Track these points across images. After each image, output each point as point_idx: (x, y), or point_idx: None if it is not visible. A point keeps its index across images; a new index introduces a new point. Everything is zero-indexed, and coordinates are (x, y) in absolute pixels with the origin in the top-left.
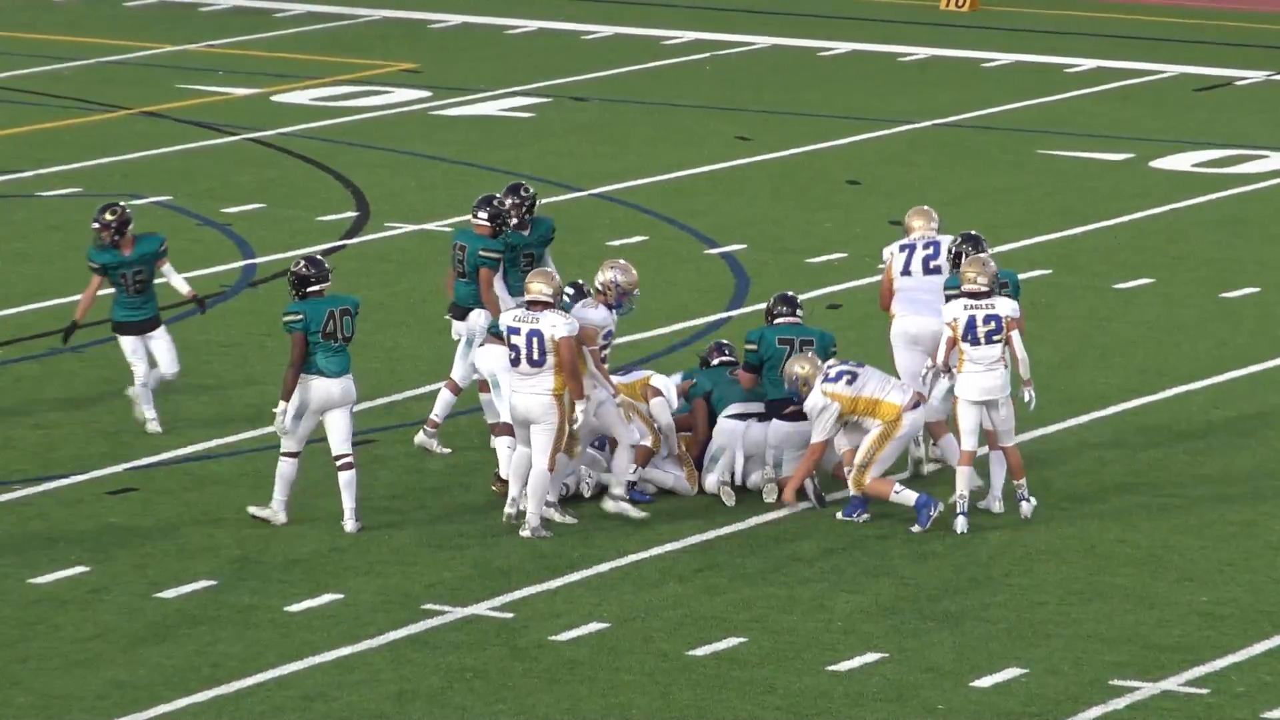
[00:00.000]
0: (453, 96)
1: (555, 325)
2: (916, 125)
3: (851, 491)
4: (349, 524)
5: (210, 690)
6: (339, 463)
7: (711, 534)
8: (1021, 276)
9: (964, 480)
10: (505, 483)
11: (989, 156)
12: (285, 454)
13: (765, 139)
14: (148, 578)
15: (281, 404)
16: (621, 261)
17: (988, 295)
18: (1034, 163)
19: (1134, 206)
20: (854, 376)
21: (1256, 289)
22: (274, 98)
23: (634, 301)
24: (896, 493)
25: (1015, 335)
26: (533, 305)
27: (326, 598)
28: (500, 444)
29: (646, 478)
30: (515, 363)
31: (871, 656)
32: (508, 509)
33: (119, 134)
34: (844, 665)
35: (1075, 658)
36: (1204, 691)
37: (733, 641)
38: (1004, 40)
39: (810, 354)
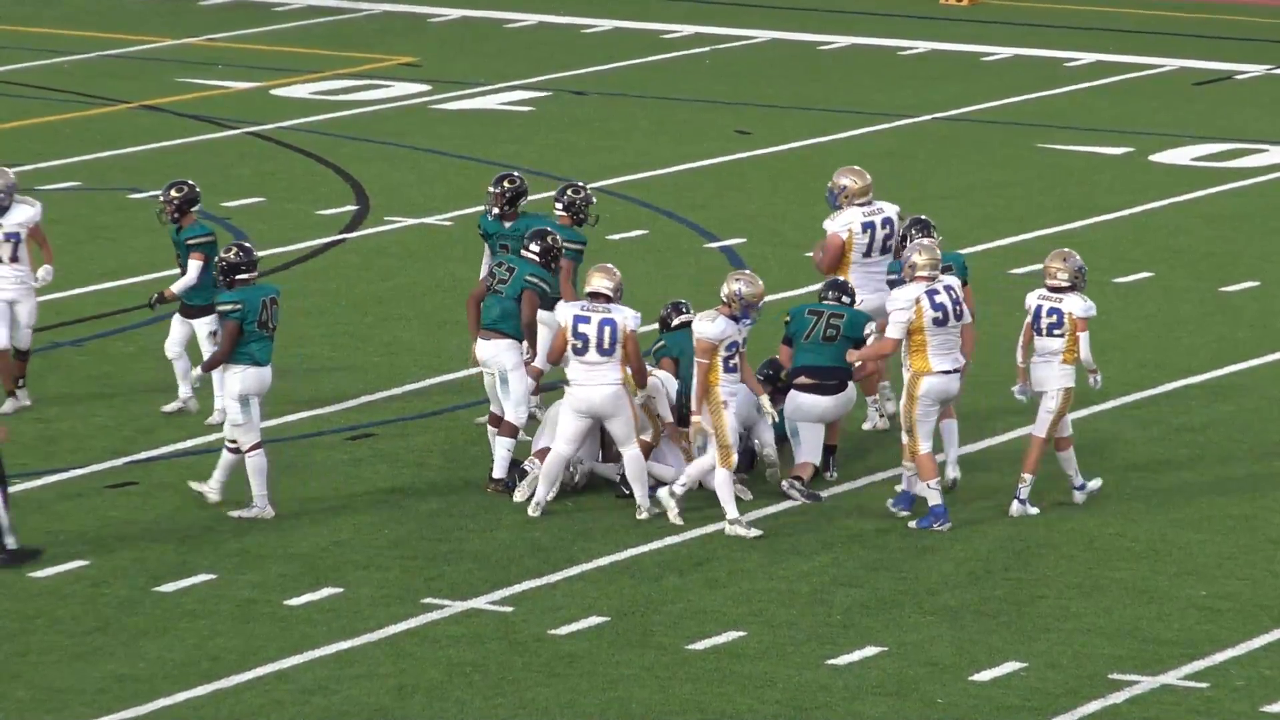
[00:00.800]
0: (452, 90)
1: (628, 318)
2: (916, 119)
3: (905, 460)
4: (211, 493)
5: (210, 684)
6: (231, 446)
7: (710, 528)
8: (1020, 271)
9: (1067, 464)
10: (496, 481)
11: (988, 151)
12: (251, 449)
13: (765, 133)
14: (148, 571)
15: (197, 370)
16: (747, 273)
17: (1068, 290)
18: (1033, 157)
19: (1133, 201)
20: (944, 321)
21: (1256, 283)
22: (274, 91)
23: (758, 313)
24: (929, 485)
25: (1083, 337)
26: (594, 298)
27: (326, 591)
28: (499, 444)
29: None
30: (581, 351)
31: (871, 650)
32: (531, 512)
33: (119, 128)
34: (843, 659)
35: (1074, 652)
36: (1203, 685)
37: (732, 635)
38: (1003, 34)
39: (938, 252)
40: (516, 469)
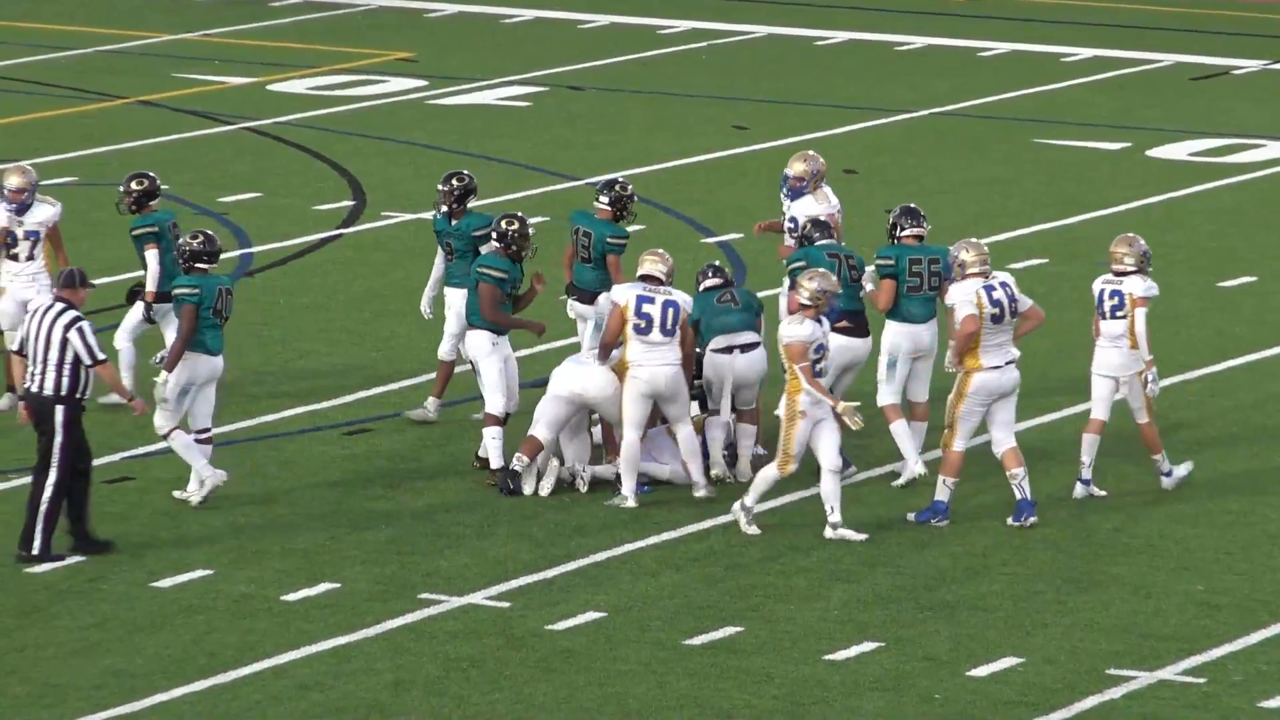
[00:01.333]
0: (449, 85)
1: (686, 301)
2: (913, 114)
3: (942, 450)
4: (195, 497)
5: (207, 679)
6: (200, 437)
7: (708, 523)
8: (1019, 266)
9: (1088, 449)
10: (493, 472)
11: (985, 146)
12: (169, 432)
13: (762, 128)
14: (145, 567)
15: (164, 374)
16: (819, 271)
17: (1133, 273)
18: (1031, 152)
19: (1131, 195)
20: (999, 318)
21: (1253, 278)
22: (270, 87)
23: (838, 303)
24: (944, 482)
25: (1139, 314)
26: (647, 280)
27: (323, 587)
28: (486, 435)
29: (641, 468)
30: (644, 331)
31: (868, 646)
32: (624, 503)
33: (115, 123)
34: (840, 654)
35: (1072, 647)
36: (1201, 681)
37: (729, 630)
38: (1000, 29)
39: (984, 247)
40: (508, 473)
